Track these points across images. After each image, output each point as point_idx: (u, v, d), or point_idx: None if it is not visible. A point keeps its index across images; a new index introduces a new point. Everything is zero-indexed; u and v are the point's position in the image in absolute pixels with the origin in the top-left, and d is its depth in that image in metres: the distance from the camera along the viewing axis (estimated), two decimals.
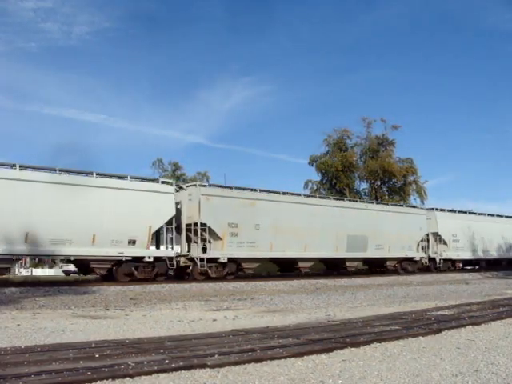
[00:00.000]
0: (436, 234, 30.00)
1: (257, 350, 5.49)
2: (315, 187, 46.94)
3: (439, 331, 7.04)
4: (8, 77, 75.25)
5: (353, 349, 5.80)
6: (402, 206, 31.42)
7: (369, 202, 28.07)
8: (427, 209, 32.21)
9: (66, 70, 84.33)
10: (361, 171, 46.77)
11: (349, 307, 11.52)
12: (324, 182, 46.87)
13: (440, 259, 29.87)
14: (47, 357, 5.11)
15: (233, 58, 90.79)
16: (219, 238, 20.27)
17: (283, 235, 22.07)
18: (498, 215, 36.21)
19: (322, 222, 23.73)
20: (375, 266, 28.44)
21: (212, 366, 4.79)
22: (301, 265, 23.40)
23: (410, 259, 28.43)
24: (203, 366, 4.79)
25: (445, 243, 30.17)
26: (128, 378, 4.34)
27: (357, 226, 25.28)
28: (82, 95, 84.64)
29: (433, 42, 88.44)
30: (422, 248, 29.35)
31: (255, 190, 22.28)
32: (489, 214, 35.68)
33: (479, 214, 34.94)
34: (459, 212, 33.59)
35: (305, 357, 5.33)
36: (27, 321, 8.89)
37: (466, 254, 32.05)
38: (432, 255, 29.74)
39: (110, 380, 4.26)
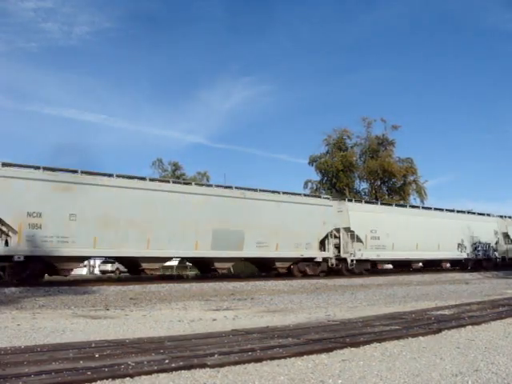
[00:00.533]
0: (348, 230, 24.76)
1: (257, 350, 5.49)
2: (315, 187, 47.01)
3: (439, 331, 7.04)
4: (8, 77, 75.27)
5: (353, 349, 5.80)
6: (299, 194, 24.78)
7: (247, 189, 22.30)
8: (339, 199, 26.99)
9: (66, 70, 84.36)
10: (361, 171, 46.83)
11: (349, 307, 11.52)
12: (324, 181, 46.94)
13: (353, 260, 24.64)
14: (47, 357, 5.11)
15: (233, 58, 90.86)
16: (16, 232, 16.30)
17: (115, 229, 17.81)
18: (437, 208, 31.74)
19: (175, 212, 19.18)
20: (263, 268, 24.00)
21: (212, 366, 4.79)
22: (146, 265, 18.96)
23: (311, 260, 23.49)
24: (203, 365, 4.79)
25: (360, 241, 25.13)
26: (128, 378, 4.34)
27: (228, 217, 20.45)
28: (82, 95, 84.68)
29: (433, 42, 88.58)
30: (335, 246, 24.46)
31: (76, 172, 17.69)
32: (424, 207, 31.90)
33: (411, 206, 30.83)
34: (382, 204, 29.20)
35: (305, 357, 5.33)
36: (27, 321, 8.89)
37: (392, 254, 26.73)
38: (343, 255, 24.52)
39: (109, 380, 4.26)
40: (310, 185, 47.52)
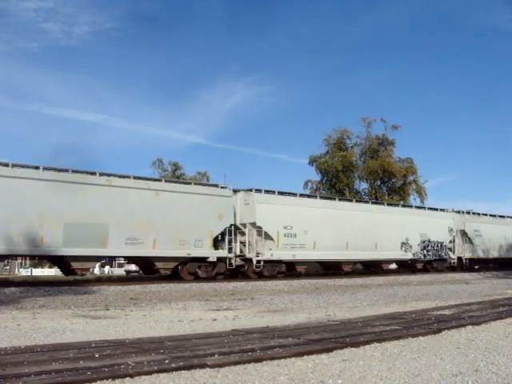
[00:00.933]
0: (254, 225, 21.23)
1: (257, 350, 5.49)
2: (315, 187, 47.02)
3: (439, 331, 7.04)
4: (8, 77, 75.34)
5: (353, 349, 5.80)
6: (188, 183, 20.66)
7: (116, 175, 18.83)
8: (245, 190, 22.25)
9: (66, 70, 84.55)
10: (361, 171, 46.82)
11: (349, 307, 11.52)
12: (324, 181, 46.94)
13: (260, 260, 20.96)
14: (47, 357, 5.11)
15: (233, 58, 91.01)
16: None
17: None
18: (376, 202, 28.48)
19: (10, 201, 16.08)
20: (145, 269, 20.67)
21: (212, 366, 4.80)
22: None
23: (204, 260, 20.08)
24: (203, 365, 4.80)
25: (271, 238, 21.46)
26: (128, 378, 4.35)
27: (86, 208, 17.21)
28: (82, 95, 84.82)
29: (433, 42, 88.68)
30: (244, 244, 21.17)
31: None
32: (358, 201, 28.37)
33: (341, 199, 26.52)
34: (302, 196, 24.57)
35: (305, 357, 5.33)
36: (27, 321, 8.89)
37: (312, 254, 22.88)
38: (248, 255, 20.99)
39: (109, 380, 4.27)
40: (310, 185, 47.57)
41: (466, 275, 27.16)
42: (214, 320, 9.10)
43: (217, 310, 10.96)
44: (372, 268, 27.85)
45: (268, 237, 21.41)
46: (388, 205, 29.08)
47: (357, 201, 27.57)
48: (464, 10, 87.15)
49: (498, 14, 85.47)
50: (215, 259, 20.18)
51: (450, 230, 30.15)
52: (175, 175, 48.12)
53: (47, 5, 78.44)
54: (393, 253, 26.59)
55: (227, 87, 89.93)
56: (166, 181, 19.57)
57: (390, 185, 47.33)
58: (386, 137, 46.59)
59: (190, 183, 20.44)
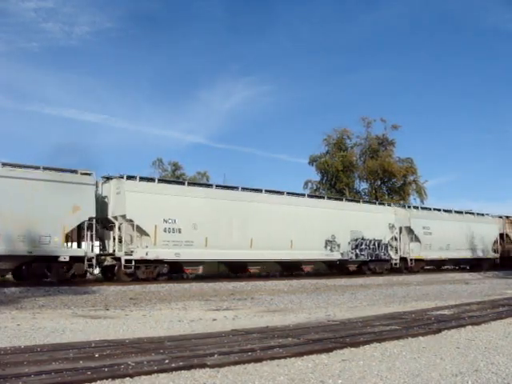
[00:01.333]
0: (125, 218, 18.15)
1: (257, 350, 5.49)
2: (315, 187, 46.98)
3: (439, 331, 7.04)
4: (8, 77, 75.30)
5: (353, 349, 5.80)
6: (35, 168, 17.06)
7: None
8: (117, 177, 18.78)
9: (66, 70, 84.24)
10: (361, 171, 46.76)
11: (349, 307, 11.52)
12: (324, 181, 46.86)
13: (132, 260, 17.86)
14: (47, 357, 5.11)
15: (233, 58, 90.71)
16: None
17: None
18: (292, 193, 23.54)
19: None
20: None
21: (212, 366, 4.79)
22: None
23: (55, 259, 16.75)
24: (203, 365, 4.80)
25: (147, 234, 18.32)
26: (128, 378, 4.35)
27: None
28: (82, 95, 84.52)
29: (433, 42, 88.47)
30: (119, 241, 18.15)
31: None
32: (269, 191, 22.50)
33: (244, 189, 21.55)
34: (192, 184, 21.02)
35: (305, 356, 5.33)
36: (27, 321, 8.89)
37: (203, 253, 19.37)
38: (118, 253, 18.03)
39: (109, 380, 4.26)
40: (309, 185, 47.51)
41: (466, 275, 27.17)
42: (214, 320, 9.10)
43: (216, 310, 10.96)
44: (291, 270, 24.25)
45: (144, 232, 18.33)
46: (309, 196, 25.34)
47: (266, 191, 22.43)
48: (464, 10, 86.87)
49: (498, 13, 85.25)
50: (67, 258, 16.96)
51: (391, 227, 26.38)
52: (175, 175, 48.03)
53: (47, 5, 78.22)
54: (314, 252, 22.94)
55: (227, 87, 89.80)
56: (3, 164, 16.32)
57: (390, 185, 47.25)
58: (386, 137, 46.52)
59: (38, 168, 16.97)
